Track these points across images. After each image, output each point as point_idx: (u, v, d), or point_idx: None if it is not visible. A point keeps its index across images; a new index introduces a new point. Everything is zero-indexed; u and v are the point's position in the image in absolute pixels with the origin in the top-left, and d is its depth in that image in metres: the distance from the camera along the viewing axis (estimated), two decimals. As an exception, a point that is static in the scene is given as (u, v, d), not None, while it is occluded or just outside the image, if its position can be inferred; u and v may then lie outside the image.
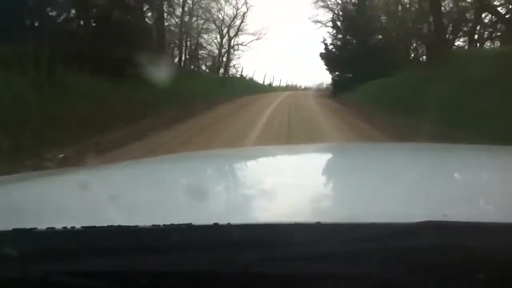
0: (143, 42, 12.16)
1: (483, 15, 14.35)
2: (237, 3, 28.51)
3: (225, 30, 28.51)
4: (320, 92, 29.99)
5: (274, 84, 39.83)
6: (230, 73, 29.74)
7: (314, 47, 71.57)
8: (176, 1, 19.19)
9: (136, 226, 0.55)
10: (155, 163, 1.42)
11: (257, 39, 29.91)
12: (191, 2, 22.41)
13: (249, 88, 27.34)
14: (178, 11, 20.89)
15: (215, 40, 28.70)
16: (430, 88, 9.16)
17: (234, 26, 28.77)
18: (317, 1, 25.13)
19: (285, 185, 0.89)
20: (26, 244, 0.55)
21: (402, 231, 0.53)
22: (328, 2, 24.79)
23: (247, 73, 33.90)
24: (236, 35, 29.24)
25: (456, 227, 0.53)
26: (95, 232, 0.56)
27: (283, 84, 41.14)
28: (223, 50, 28.81)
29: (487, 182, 0.94)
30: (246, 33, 29.84)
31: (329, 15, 24.63)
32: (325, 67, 24.38)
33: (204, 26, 25.22)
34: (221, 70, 28.13)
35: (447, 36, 14.46)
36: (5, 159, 4.72)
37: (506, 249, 0.51)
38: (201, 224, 0.56)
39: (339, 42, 23.55)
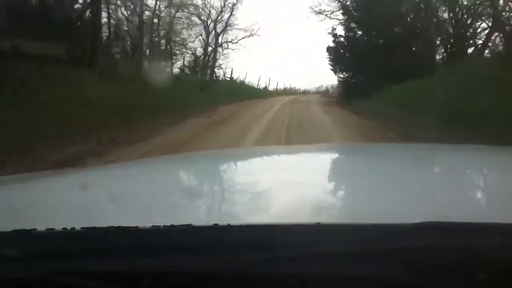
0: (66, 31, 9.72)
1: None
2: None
3: (211, 26, 24.45)
4: (325, 97, 26.62)
5: (270, 88, 35.96)
6: (217, 75, 25.63)
7: (314, 46, 67.34)
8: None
9: (136, 227, 0.55)
10: (155, 163, 1.42)
11: (249, 36, 25.61)
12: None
13: (239, 92, 22.85)
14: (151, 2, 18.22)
15: (200, 37, 24.69)
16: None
17: (222, 20, 24.66)
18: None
19: (285, 186, 0.89)
20: (26, 245, 0.55)
21: (402, 231, 0.53)
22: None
23: (238, 75, 29.60)
24: (224, 30, 24.92)
25: (456, 227, 0.53)
26: (95, 233, 0.56)
27: (281, 87, 37.75)
28: (210, 49, 24.88)
29: (487, 182, 0.94)
30: (236, 29, 25.34)
31: (335, 4, 20.32)
32: (330, 67, 20.32)
33: (186, 20, 21.86)
34: (210, 72, 24.56)
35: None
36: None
37: (506, 250, 0.51)
38: (201, 225, 0.56)
39: (351, 34, 18.99)
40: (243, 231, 0.55)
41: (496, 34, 13.96)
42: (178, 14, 21.87)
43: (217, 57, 25.62)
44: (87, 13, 12.19)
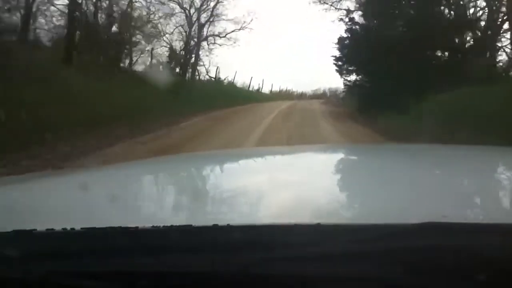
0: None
1: None
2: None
3: (195, 15, 19.74)
4: (328, 104, 20.94)
5: (265, 90, 30.13)
6: (201, 74, 21.02)
7: (314, 46, 62.93)
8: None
9: (136, 227, 0.55)
10: (155, 164, 1.42)
11: (239, 29, 21.01)
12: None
13: (226, 96, 18.51)
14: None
15: (181, 28, 19.52)
16: None
17: (208, 9, 20.08)
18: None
19: (285, 186, 0.89)
20: (26, 245, 0.55)
21: (402, 232, 0.53)
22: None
23: (227, 75, 24.55)
24: (209, 20, 20.33)
25: (456, 228, 0.53)
26: (95, 233, 0.56)
27: (276, 88, 32.00)
28: (193, 44, 20.01)
29: (487, 183, 0.94)
30: (224, 19, 20.73)
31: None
32: (335, 67, 15.54)
33: (159, 6, 16.19)
34: (191, 71, 20.03)
35: None
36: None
37: (506, 250, 0.51)
38: (201, 225, 0.56)
39: (368, 23, 13.58)
40: (243, 231, 0.55)
41: None
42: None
43: (202, 53, 20.87)
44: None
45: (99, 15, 13.51)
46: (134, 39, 15.81)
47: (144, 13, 16.09)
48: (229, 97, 18.72)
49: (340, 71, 15.58)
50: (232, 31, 21.23)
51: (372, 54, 12.23)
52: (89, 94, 8.35)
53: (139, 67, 16.83)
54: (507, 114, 6.10)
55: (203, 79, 21.36)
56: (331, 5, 16.54)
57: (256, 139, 8.25)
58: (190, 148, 7.00)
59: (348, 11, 15.27)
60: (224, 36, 21.04)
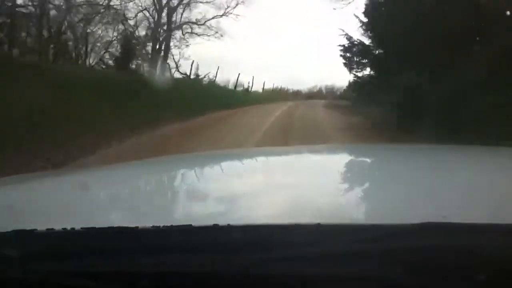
0: None
1: None
2: None
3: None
4: (337, 110, 15.56)
5: (255, 88, 26.00)
6: (172, 71, 16.57)
7: (311, 40, 58.22)
8: None
9: (136, 227, 0.55)
10: (155, 164, 1.42)
11: (222, 16, 17.25)
12: None
13: (201, 98, 14.18)
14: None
15: (147, 13, 15.61)
16: None
17: None
18: None
19: (286, 186, 0.89)
20: (26, 245, 0.55)
21: (402, 232, 0.53)
22: None
23: (209, 72, 19.69)
24: (182, 3, 16.26)
25: (456, 228, 0.53)
26: (95, 233, 0.56)
27: (269, 86, 28.29)
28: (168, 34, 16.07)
29: (487, 183, 0.94)
30: (201, 2, 16.67)
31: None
32: (344, 60, 11.40)
33: None
34: (161, 66, 15.10)
35: None
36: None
37: (506, 250, 0.51)
38: (201, 225, 0.56)
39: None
40: (243, 231, 0.55)
41: None
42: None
43: (176, 44, 16.54)
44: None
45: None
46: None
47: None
48: (203, 100, 14.25)
49: (349, 64, 11.47)
50: (213, 18, 17.20)
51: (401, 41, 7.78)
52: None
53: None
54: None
55: (179, 77, 16.82)
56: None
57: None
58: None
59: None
60: (203, 24, 16.93)
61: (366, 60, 11.10)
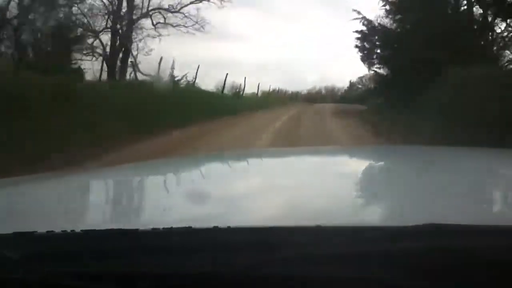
0: None
1: None
2: None
3: None
4: (351, 118, 11.26)
5: (248, 90, 21.80)
6: (134, 71, 12.57)
7: (311, 38, 56.11)
8: None
9: (136, 229, 0.55)
10: (155, 166, 1.42)
11: (201, 1, 13.12)
12: None
13: (165, 109, 9.45)
14: None
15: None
16: None
17: None
18: None
19: (285, 188, 0.89)
20: (26, 247, 0.55)
21: (402, 234, 0.53)
22: None
23: (187, 72, 15.15)
24: None
25: (456, 230, 0.53)
26: (95, 235, 0.56)
27: (264, 88, 24.35)
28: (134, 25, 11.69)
29: (487, 184, 0.94)
30: None
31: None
32: (361, 53, 9.07)
33: None
34: (121, 65, 12.17)
35: None
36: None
37: (506, 252, 0.51)
38: (201, 227, 0.56)
39: None
40: (243, 233, 0.55)
41: None
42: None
43: (141, 38, 12.25)
44: None
45: None
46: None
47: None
48: (179, 108, 10.13)
49: (367, 57, 8.97)
50: (191, 3, 12.85)
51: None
52: None
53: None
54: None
55: (144, 79, 12.79)
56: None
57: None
58: None
59: None
60: (178, 11, 12.63)
61: (391, 52, 7.56)
